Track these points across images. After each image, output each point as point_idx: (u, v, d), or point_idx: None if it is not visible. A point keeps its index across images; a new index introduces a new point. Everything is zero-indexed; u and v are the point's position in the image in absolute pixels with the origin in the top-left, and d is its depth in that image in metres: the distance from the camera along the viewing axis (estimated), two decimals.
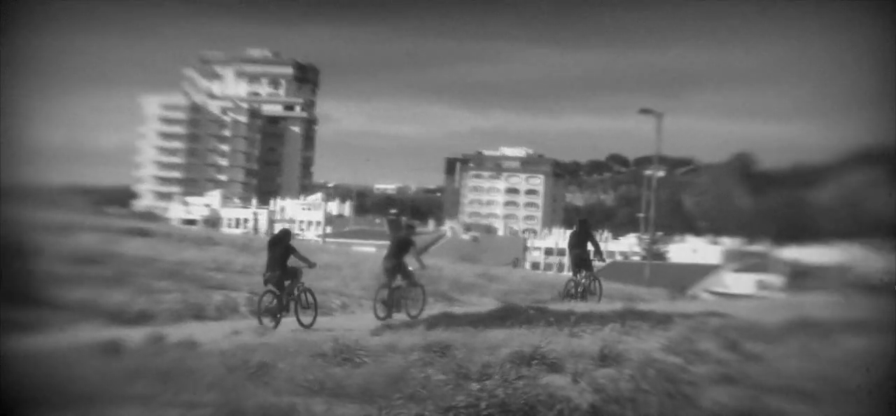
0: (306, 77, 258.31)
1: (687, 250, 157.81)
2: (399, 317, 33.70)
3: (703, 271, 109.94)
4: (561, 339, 25.92)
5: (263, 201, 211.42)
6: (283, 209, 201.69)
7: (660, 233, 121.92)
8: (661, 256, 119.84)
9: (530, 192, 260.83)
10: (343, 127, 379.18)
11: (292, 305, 32.73)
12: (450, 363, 22.18)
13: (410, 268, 35.37)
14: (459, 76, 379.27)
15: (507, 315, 30.36)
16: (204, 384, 19.95)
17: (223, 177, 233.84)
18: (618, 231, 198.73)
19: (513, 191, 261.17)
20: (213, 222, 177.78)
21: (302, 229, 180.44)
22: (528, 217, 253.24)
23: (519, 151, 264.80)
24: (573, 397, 18.84)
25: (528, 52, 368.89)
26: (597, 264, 40.98)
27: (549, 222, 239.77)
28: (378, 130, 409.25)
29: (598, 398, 18.55)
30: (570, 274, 41.25)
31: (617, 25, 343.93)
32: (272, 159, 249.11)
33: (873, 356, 21.41)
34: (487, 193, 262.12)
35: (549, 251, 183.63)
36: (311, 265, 33.89)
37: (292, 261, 33.39)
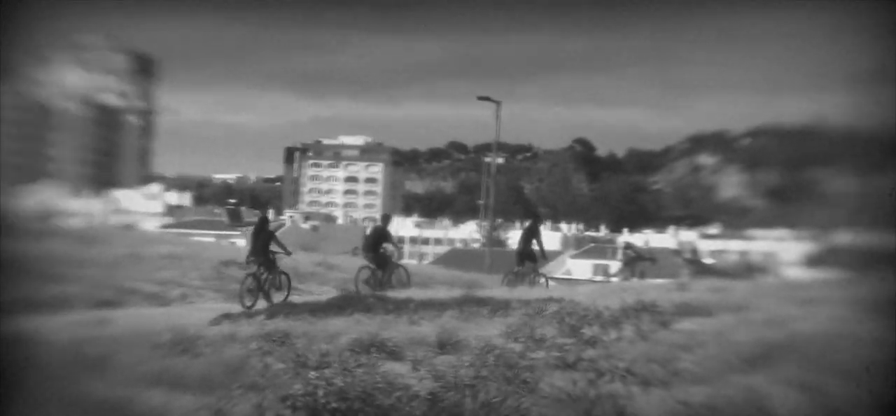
0: (143, 66, 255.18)
1: None
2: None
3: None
4: (400, 326, 26.01)
5: (100, 192, 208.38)
6: (118, 200, 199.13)
7: (499, 220, 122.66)
8: (501, 242, 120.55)
9: (370, 180, 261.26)
10: (182, 117, 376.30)
11: (267, 286, 35.31)
12: (289, 352, 22.18)
13: (386, 253, 39.02)
14: (298, 65, 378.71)
15: (346, 304, 30.42)
16: (40, 377, 19.63)
17: (56, 167, 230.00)
18: (457, 218, 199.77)
19: (352, 179, 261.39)
20: (46, 213, 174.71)
21: (140, 220, 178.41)
22: (368, 205, 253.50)
23: (358, 140, 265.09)
24: (412, 384, 18.87)
25: (367, 40, 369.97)
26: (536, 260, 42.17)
27: (388, 210, 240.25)
28: (217, 119, 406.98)
29: (438, 385, 18.60)
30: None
31: (454, 13, 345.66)
32: (108, 150, 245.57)
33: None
34: (327, 181, 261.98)
35: None
36: (289, 253, 37.47)
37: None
